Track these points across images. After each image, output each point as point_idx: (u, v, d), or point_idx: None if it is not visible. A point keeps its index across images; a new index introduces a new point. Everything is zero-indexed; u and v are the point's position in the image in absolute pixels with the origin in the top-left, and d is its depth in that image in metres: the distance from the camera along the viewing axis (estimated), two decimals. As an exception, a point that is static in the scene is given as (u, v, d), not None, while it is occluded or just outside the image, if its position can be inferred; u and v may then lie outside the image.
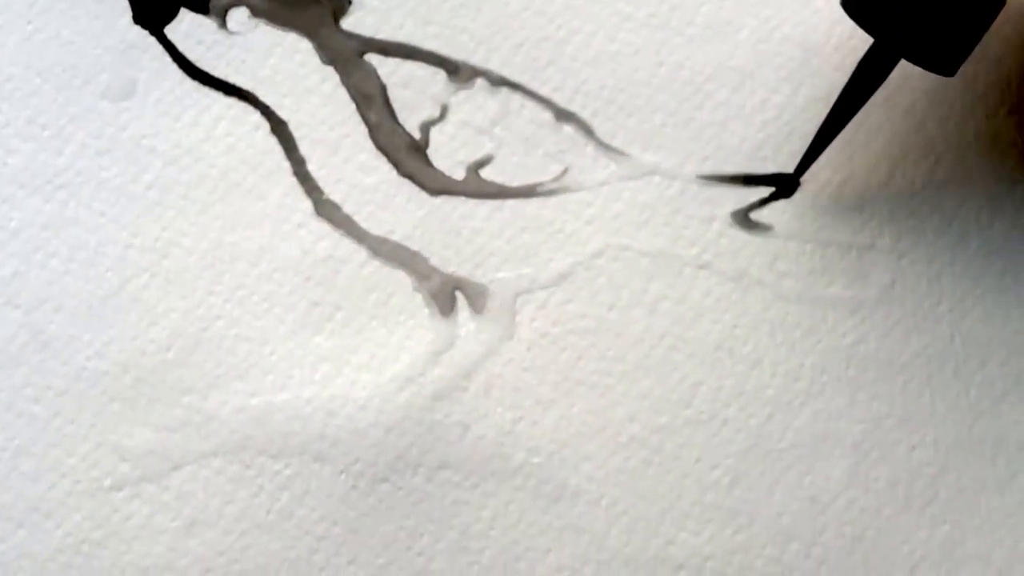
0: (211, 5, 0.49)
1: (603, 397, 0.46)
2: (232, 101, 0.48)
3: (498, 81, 0.49)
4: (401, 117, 0.48)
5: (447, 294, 0.47)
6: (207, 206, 0.47)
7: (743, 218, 0.48)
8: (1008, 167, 0.48)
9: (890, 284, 0.47)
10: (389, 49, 0.49)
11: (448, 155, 0.48)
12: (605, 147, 0.48)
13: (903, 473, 0.46)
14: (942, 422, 0.46)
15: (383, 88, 0.49)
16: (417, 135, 0.48)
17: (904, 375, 0.46)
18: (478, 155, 0.48)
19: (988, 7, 0.42)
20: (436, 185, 0.48)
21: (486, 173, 0.48)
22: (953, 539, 0.45)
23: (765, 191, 0.48)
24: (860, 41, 0.49)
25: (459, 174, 0.48)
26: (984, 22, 0.42)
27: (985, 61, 0.49)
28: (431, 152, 0.48)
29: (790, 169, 0.48)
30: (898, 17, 0.42)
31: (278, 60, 0.48)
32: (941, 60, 0.43)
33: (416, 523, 0.45)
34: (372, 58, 0.49)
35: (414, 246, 0.47)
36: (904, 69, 0.47)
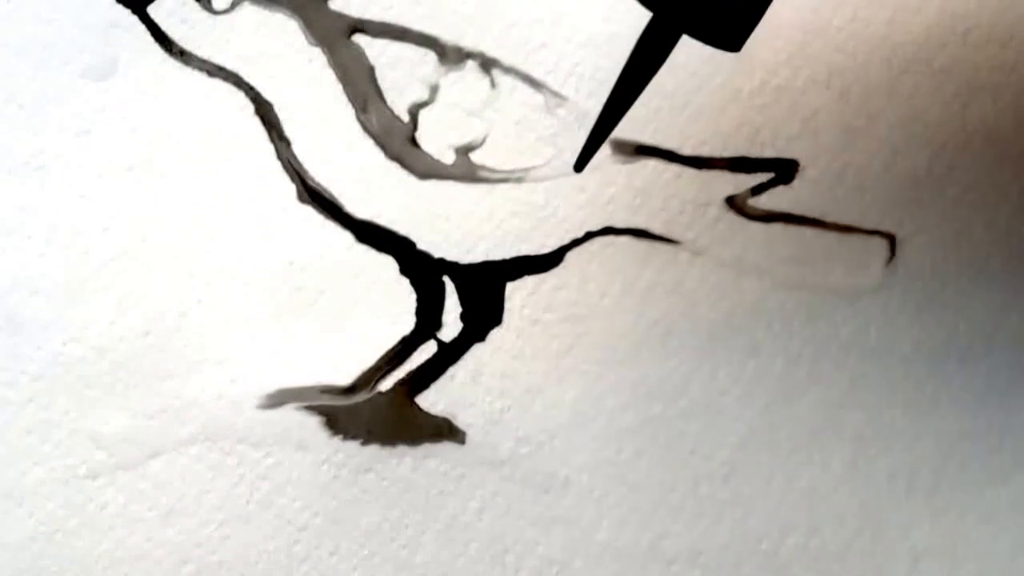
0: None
1: (595, 385, 0.45)
2: (216, 82, 0.47)
3: (489, 63, 0.48)
4: (389, 99, 0.47)
5: (435, 280, 0.46)
6: (188, 189, 0.46)
7: (740, 203, 0.47)
8: (1013, 154, 0.47)
9: (892, 271, 0.46)
10: (378, 29, 0.48)
11: (437, 138, 0.47)
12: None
13: (904, 465, 0.44)
14: (945, 412, 0.45)
15: (371, 69, 0.48)
16: (405, 117, 0.47)
17: (906, 364, 0.45)
18: (468, 138, 0.47)
19: None
20: (424, 169, 0.47)
21: (476, 157, 0.47)
22: (956, 532, 0.44)
23: (763, 176, 0.47)
24: (861, 24, 0.48)
25: (448, 157, 0.47)
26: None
27: (991, 44, 0.48)
28: (419, 135, 0.47)
29: (789, 154, 0.47)
30: None
31: (264, 40, 0.47)
32: (725, 35, 0.39)
33: (401, 514, 0.43)
34: (360, 38, 0.48)
35: (401, 231, 0.46)
36: (909, 52, 0.46)
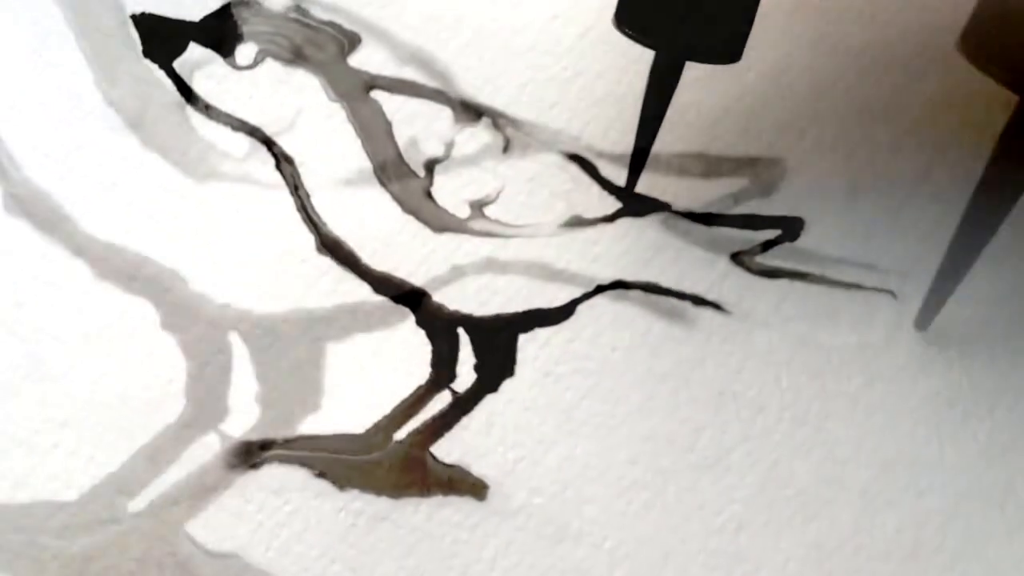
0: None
1: (606, 438, 0.45)
2: (239, 135, 0.48)
3: (503, 120, 0.49)
4: (406, 154, 0.48)
5: (449, 332, 0.46)
6: (211, 239, 0.47)
7: (748, 259, 0.48)
8: (1017, 215, 0.48)
9: (897, 328, 0.47)
10: (395, 86, 0.49)
11: (452, 192, 0.48)
12: (610, 186, 0.48)
13: (910, 520, 0.45)
14: (950, 469, 0.45)
15: (389, 125, 0.48)
16: (422, 172, 0.48)
17: (912, 421, 0.46)
18: (482, 193, 0.48)
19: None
20: (440, 222, 0.48)
21: (490, 211, 0.48)
22: (961, 587, 0.44)
23: (770, 233, 0.48)
24: (872, 87, 0.49)
25: (463, 212, 0.48)
26: (750, 7, 0.43)
27: (995, 105, 0.49)
28: (435, 189, 0.48)
29: (798, 212, 0.48)
30: (673, 25, 0.43)
31: (285, 95, 0.48)
32: (721, 52, 0.44)
33: (416, 562, 0.44)
34: (378, 95, 0.49)
35: (417, 283, 0.47)
36: (910, 113, 0.47)
